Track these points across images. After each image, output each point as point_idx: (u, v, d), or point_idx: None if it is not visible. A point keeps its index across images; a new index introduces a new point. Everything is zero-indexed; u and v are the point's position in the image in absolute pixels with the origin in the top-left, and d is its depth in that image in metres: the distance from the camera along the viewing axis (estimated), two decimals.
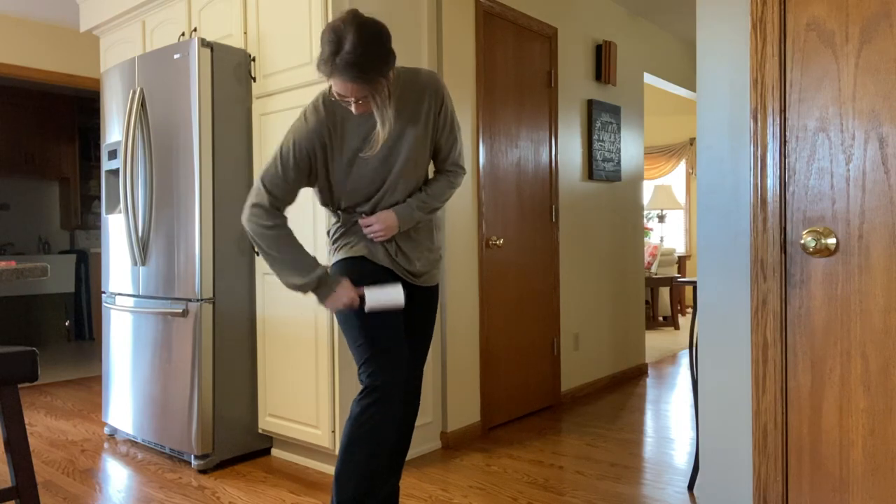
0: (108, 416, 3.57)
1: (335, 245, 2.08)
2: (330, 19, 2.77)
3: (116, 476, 3.01)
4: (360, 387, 1.97)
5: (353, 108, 1.83)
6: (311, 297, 2.67)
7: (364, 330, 1.95)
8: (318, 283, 1.92)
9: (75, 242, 7.38)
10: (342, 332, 2.04)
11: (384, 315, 1.96)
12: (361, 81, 1.74)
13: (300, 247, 1.94)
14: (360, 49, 1.71)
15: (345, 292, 1.92)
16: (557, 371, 4.11)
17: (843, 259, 1.82)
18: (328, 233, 2.12)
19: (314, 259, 1.95)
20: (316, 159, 1.94)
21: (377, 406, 1.92)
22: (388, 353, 1.95)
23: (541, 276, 3.97)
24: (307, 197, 2.89)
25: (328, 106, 1.92)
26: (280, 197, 1.93)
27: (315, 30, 2.83)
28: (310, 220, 2.89)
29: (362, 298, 1.91)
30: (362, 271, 1.99)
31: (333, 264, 2.07)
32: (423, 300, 2.16)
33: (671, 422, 3.75)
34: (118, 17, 3.87)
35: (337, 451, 2.84)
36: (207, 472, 3.02)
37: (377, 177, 1.97)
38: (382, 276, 2.02)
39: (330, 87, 1.84)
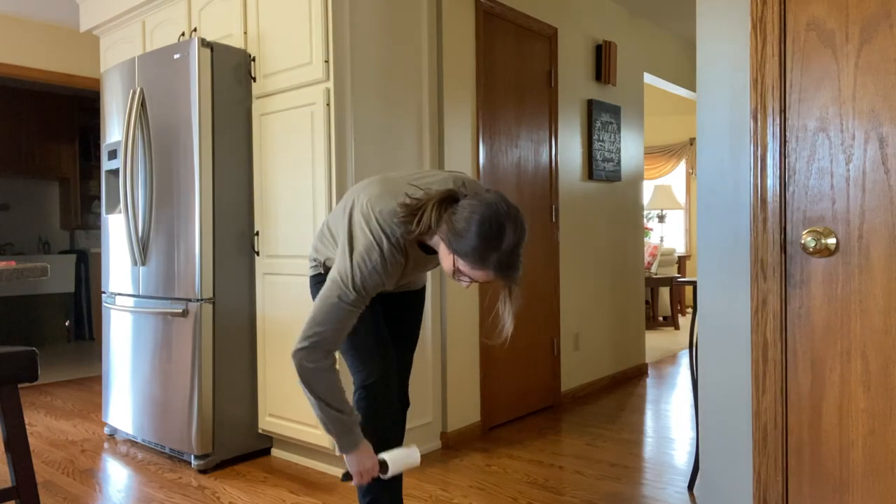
0: (108, 416, 3.57)
1: (324, 258, 2.06)
2: (330, 19, 2.78)
3: (116, 476, 3.01)
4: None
5: (463, 283, 1.72)
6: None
7: (346, 339, 1.97)
8: (352, 427, 1.83)
9: (75, 242, 7.38)
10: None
11: (367, 321, 1.98)
12: (506, 280, 1.68)
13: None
14: (517, 250, 1.64)
15: (367, 459, 1.84)
16: (557, 371, 4.11)
17: (843, 259, 1.82)
18: (321, 239, 2.07)
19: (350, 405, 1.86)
20: None
21: (370, 400, 1.96)
22: (374, 356, 1.98)
23: (541, 276, 3.97)
24: (307, 195, 2.89)
25: (398, 255, 1.78)
26: (341, 338, 1.81)
27: (315, 30, 2.82)
28: (309, 219, 2.89)
29: (384, 464, 1.86)
30: None
31: (319, 276, 2.07)
32: (409, 301, 2.17)
33: (671, 422, 3.75)
34: (118, 17, 3.87)
35: (337, 452, 2.84)
36: (207, 472, 3.02)
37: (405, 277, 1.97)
38: None
39: (403, 240, 1.75)
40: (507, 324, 1.74)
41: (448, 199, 1.68)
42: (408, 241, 1.77)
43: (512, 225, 1.62)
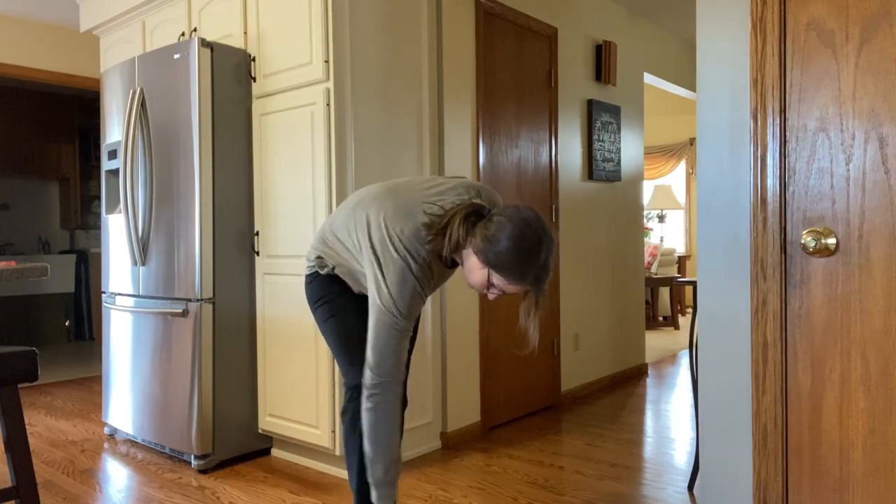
0: (108, 416, 3.57)
1: (334, 264, 2.06)
2: (330, 19, 2.78)
3: (116, 476, 3.01)
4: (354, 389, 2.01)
5: (489, 293, 1.74)
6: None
7: (339, 339, 2.00)
8: (395, 477, 1.86)
9: (75, 242, 7.38)
10: (323, 336, 2.10)
11: (359, 320, 2.01)
12: (538, 291, 1.70)
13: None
14: (550, 264, 1.68)
15: None
16: (557, 371, 4.11)
17: (843, 259, 1.82)
18: (323, 242, 2.06)
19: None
20: None
21: (357, 402, 1.98)
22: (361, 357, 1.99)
23: None
24: (307, 195, 2.89)
25: (427, 271, 1.81)
26: (403, 362, 1.84)
27: (315, 30, 2.82)
28: (309, 219, 2.89)
29: None
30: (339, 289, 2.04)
31: (314, 275, 2.08)
32: None
33: (671, 422, 3.75)
34: (118, 17, 3.87)
35: (337, 452, 2.85)
36: (207, 472, 3.02)
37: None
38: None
39: (430, 257, 1.77)
40: (533, 332, 1.76)
41: (472, 213, 1.70)
42: (432, 257, 1.79)
43: (547, 238, 1.65)
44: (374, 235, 1.79)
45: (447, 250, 1.72)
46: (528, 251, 1.62)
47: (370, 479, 1.84)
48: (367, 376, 1.79)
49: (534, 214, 1.68)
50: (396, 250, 1.75)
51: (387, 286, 1.75)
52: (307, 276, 2.10)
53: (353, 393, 1.99)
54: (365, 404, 1.80)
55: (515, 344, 3.56)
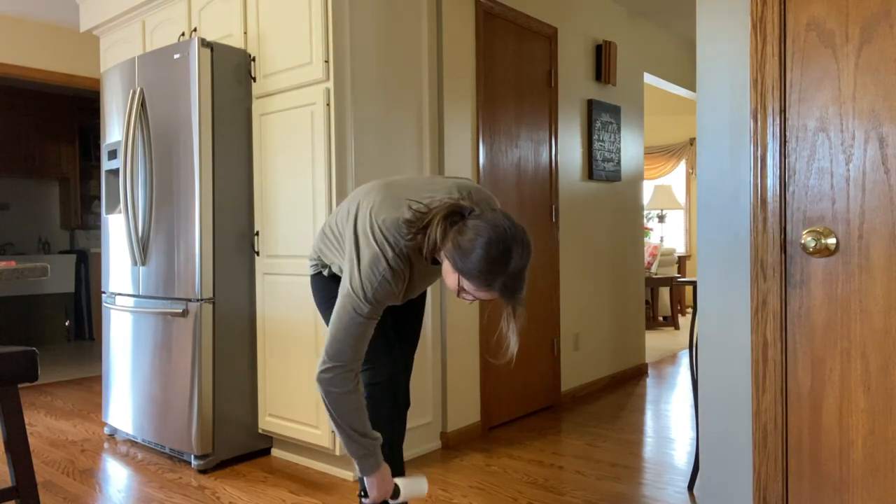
0: (108, 416, 3.57)
1: (329, 262, 2.06)
2: (330, 19, 2.78)
3: (116, 476, 3.01)
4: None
5: (467, 300, 1.72)
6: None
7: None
8: (374, 451, 1.85)
9: (75, 242, 7.38)
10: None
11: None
12: (510, 301, 1.67)
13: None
14: (522, 274, 1.64)
15: (387, 481, 1.87)
16: (557, 371, 4.11)
17: (843, 259, 1.82)
18: (324, 240, 2.06)
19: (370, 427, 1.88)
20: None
21: (377, 399, 2.01)
22: (382, 355, 2.00)
23: (541, 276, 3.97)
24: (307, 195, 2.89)
25: (403, 265, 1.78)
26: (362, 353, 1.81)
27: (315, 30, 2.82)
28: (309, 219, 2.89)
29: (395, 488, 1.90)
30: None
31: (317, 275, 2.09)
32: (410, 302, 2.18)
33: (671, 422, 3.75)
34: (118, 17, 3.87)
35: (337, 452, 2.85)
36: (207, 472, 3.02)
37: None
38: None
39: (407, 250, 1.75)
40: (512, 343, 1.75)
41: (453, 214, 1.67)
42: (412, 252, 1.76)
43: (518, 248, 1.61)
44: (359, 224, 1.80)
45: (426, 249, 1.70)
46: (497, 260, 1.58)
47: (349, 451, 1.85)
48: (320, 360, 1.76)
49: (509, 223, 1.63)
50: (375, 237, 1.75)
51: (359, 270, 1.74)
52: (312, 276, 2.11)
53: (367, 392, 2.01)
54: (318, 389, 1.78)
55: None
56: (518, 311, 1.72)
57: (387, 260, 1.73)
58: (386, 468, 1.87)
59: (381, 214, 1.77)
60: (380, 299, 1.74)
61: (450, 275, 1.66)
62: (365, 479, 1.85)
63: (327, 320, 2.06)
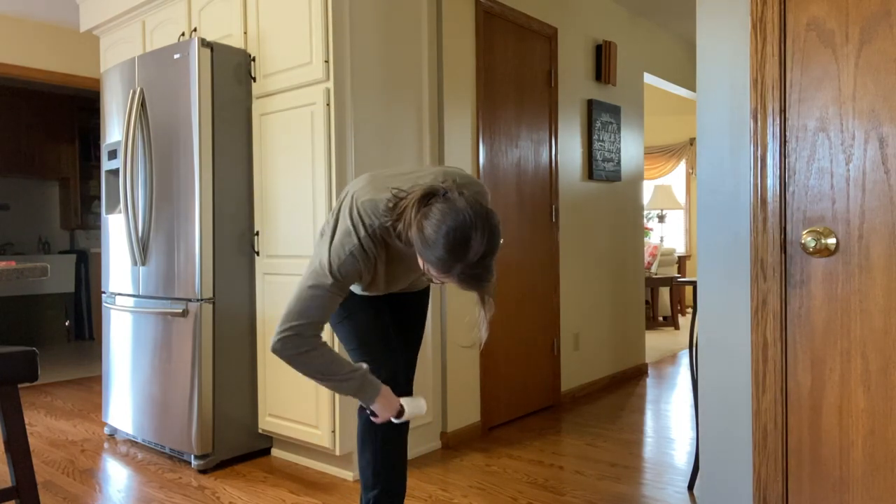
0: (108, 416, 3.57)
1: None
2: (330, 19, 2.78)
3: (116, 476, 3.01)
4: None
5: (433, 281, 1.70)
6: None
7: (354, 339, 2.00)
8: (363, 383, 1.84)
9: (75, 242, 7.38)
10: (337, 336, 2.07)
11: (375, 321, 2.02)
12: (474, 289, 1.65)
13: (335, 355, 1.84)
14: (483, 261, 1.57)
15: (391, 402, 1.87)
16: (557, 371, 4.11)
17: (843, 259, 1.82)
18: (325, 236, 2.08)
19: (352, 364, 1.86)
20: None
21: None
22: (383, 356, 1.99)
23: (541, 276, 3.97)
24: (307, 195, 2.89)
25: (374, 246, 1.77)
26: (323, 320, 1.79)
27: (315, 30, 2.82)
28: (309, 219, 2.89)
29: (400, 407, 1.91)
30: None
31: None
32: (412, 302, 2.17)
33: (671, 422, 3.75)
34: (118, 17, 3.87)
35: (337, 452, 2.84)
36: (207, 472, 3.02)
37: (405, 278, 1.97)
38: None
39: (382, 232, 1.74)
40: (483, 331, 1.73)
41: (427, 197, 1.64)
42: (388, 236, 1.75)
43: (479, 235, 1.55)
44: (342, 209, 1.81)
45: (403, 233, 1.68)
46: (453, 247, 1.54)
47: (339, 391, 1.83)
48: (279, 323, 1.74)
49: (473, 209, 1.57)
50: (351, 217, 1.76)
51: (330, 246, 1.75)
52: None
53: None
54: (297, 349, 1.73)
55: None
56: (487, 300, 1.70)
57: (358, 237, 1.73)
58: (386, 390, 1.85)
59: (362, 197, 1.78)
60: (344, 275, 1.73)
61: (418, 257, 1.66)
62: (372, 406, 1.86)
63: (331, 321, 2.06)
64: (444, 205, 1.59)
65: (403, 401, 1.90)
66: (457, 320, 3.38)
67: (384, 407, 1.85)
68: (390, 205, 1.70)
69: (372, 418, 1.90)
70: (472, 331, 1.80)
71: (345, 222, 1.77)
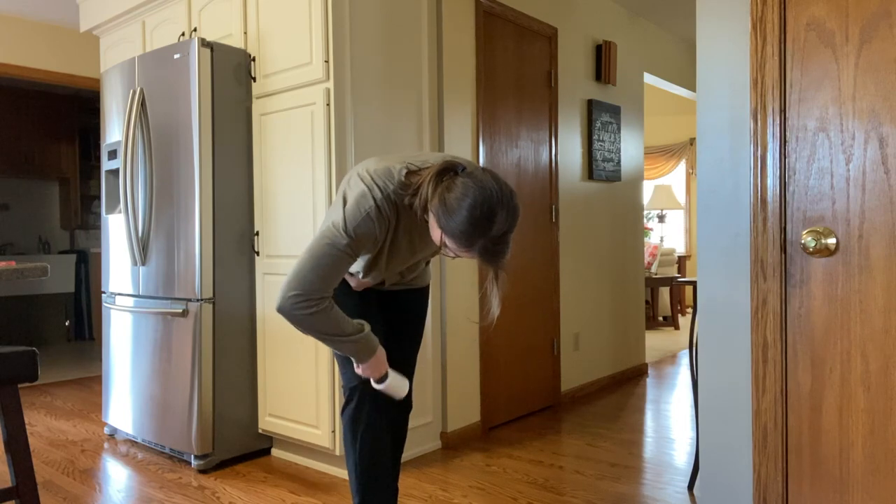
0: (108, 416, 3.57)
1: None
2: (330, 19, 2.78)
3: (116, 476, 3.01)
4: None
5: (447, 254, 1.68)
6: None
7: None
8: (365, 344, 1.83)
9: (75, 242, 7.38)
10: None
11: (363, 308, 2.00)
12: (492, 265, 1.65)
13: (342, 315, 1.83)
14: (504, 237, 1.60)
15: (380, 365, 1.87)
16: (557, 371, 4.11)
17: (843, 259, 1.82)
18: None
19: (354, 325, 1.85)
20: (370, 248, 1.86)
21: (362, 407, 1.96)
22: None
23: (541, 276, 3.97)
24: (307, 195, 2.89)
25: (389, 209, 1.75)
26: (334, 283, 1.76)
27: (315, 30, 2.82)
28: (309, 219, 2.89)
29: (384, 374, 1.91)
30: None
31: None
32: (412, 300, 2.17)
33: (671, 422, 3.75)
34: (118, 17, 3.87)
35: (337, 452, 2.84)
36: (207, 472, 3.02)
37: (407, 259, 1.96)
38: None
39: (395, 193, 1.73)
40: (494, 307, 1.73)
41: (445, 171, 1.65)
42: (402, 207, 1.75)
43: (504, 211, 1.58)
44: (351, 182, 1.79)
45: (420, 208, 1.69)
46: (480, 221, 1.55)
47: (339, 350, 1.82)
48: (282, 291, 1.69)
49: (497, 185, 1.60)
50: (365, 182, 1.75)
51: (344, 208, 1.72)
52: None
53: (350, 394, 1.99)
54: (303, 311, 1.68)
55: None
56: (500, 276, 1.71)
57: (374, 199, 1.71)
58: (381, 352, 1.86)
59: (374, 166, 1.78)
60: (360, 235, 1.70)
61: (434, 229, 1.65)
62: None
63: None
64: (469, 179, 1.60)
65: (392, 373, 1.90)
66: (457, 320, 3.38)
67: (373, 367, 1.85)
68: (403, 176, 1.70)
69: (356, 370, 1.90)
70: (486, 309, 1.80)
71: (359, 186, 1.74)
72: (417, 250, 1.92)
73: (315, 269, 1.68)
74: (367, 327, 1.82)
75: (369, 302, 2.04)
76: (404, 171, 1.73)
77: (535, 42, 3.95)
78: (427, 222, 1.76)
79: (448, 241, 1.62)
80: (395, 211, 1.75)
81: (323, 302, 1.69)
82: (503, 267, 1.68)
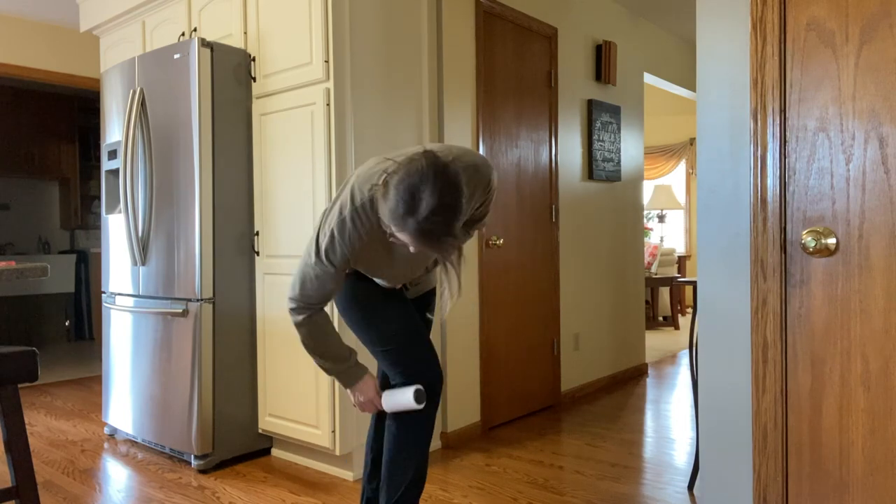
0: (108, 416, 3.57)
1: None
2: (330, 19, 2.78)
3: (116, 476, 3.01)
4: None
5: (411, 249, 1.65)
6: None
7: (393, 343, 1.95)
8: (350, 368, 1.91)
9: (75, 242, 7.38)
10: (357, 334, 2.01)
11: (404, 318, 1.96)
12: (432, 248, 1.57)
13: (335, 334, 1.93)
14: (436, 216, 1.50)
15: (368, 391, 1.91)
16: (557, 371, 4.11)
17: (843, 259, 1.82)
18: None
19: (347, 347, 1.93)
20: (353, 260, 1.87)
21: (438, 401, 1.98)
22: (430, 359, 1.96)
23: (541, 276, 3.97)
24: (307, 195, 2.89)
25: (363, 220, 1.74)
26: (315, 296, 1.83)
27: (315, 30, 2.82)
28: (310, 219, 2.89)
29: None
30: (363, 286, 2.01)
31: None
32: (421, 304, 2.17)
33: (671, 422, 3.75)
34: (118, 17, 3.87)
35: (337, 452, 2.84)
36: (207, 472, 3.02)
37: (406, 270, 1.95)
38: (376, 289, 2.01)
39: (370, 204, 1.71)
40: (453, 291, 1.72)
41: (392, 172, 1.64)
42: (362, 211, 1.74)
43: (431, 187, 1.49)
44: (343, 191, 1.81)
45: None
46: (403, 198, 1.51)
47: (328, 371, 1.92)
48: (288, 297, 1.84)
49: (428, 164, 1.53)
50: (341, 196, 1.77)
51: (323, 220, 1.79)
52: None
53: (431, 395, 1.94)
54: (293, 319, 1.85)
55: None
56: (448, 266, 1.68)
57: (342, 215, 1.73)
58: (367, 381, 1.92)
59: (364, 172, 1.78)
60: (332, 257, 1.75)
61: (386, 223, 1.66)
62: (348, 391, 1.96)
63: (354, 327, 2.01)
64: (407, 166, 1.56)
65: (385, 394, 1.89)
66: (457, 321, 3.38)
67: (358, 392, 1.92)
68: (380, 181, 1.66)
69: (352, 404, 1.97)
70: (443, 299, 1.78)
71: (336, 203, 1.78)
72: (409, 257, 1.90)
73: (301, 285, 1.81)
74: (356, 356, 1.91)
75: (395, 293, 2.03)
76: (384, 177, 1.67)
77: (535, 42, 3.95)
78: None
79: (391, 230, 1.60)
80: (375, 217, 1.72)
81: (308, 313, 1.83)
82: (448, 253, 1.62)
